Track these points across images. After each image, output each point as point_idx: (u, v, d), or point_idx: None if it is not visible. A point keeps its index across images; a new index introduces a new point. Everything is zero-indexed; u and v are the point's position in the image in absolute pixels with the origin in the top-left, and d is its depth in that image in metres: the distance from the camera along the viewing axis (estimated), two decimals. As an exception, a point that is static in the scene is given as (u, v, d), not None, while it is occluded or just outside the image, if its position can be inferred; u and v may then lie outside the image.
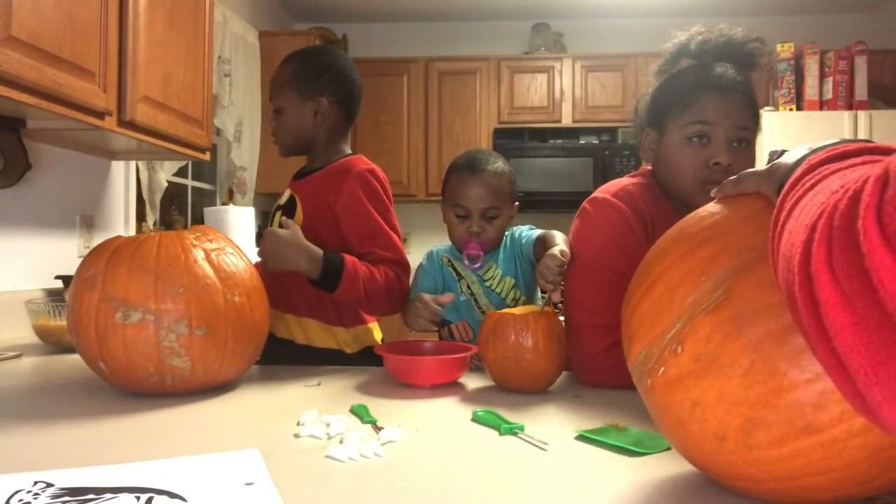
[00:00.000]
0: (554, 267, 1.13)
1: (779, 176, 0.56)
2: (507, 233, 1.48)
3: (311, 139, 1.42)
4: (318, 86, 1.40)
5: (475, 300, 1.41)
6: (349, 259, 1.26)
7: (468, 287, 1.41)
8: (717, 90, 1.11)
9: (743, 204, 0.61)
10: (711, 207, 0.65)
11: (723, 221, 0.61)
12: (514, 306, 1.34)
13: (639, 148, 1.26)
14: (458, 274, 1.43)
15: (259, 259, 1.26)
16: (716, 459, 0.58)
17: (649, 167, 1.27)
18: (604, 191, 1.21)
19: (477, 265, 1.38)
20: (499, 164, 1.39)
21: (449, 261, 1.45)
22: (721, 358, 0.54)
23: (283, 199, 1.44)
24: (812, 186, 0.45)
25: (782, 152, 0.61)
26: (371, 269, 1.28)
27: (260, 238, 1.46)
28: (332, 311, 1.39)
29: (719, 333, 0.54)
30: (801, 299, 0.38)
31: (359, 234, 1.33)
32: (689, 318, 0.56)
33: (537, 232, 1.39)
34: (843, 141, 0.53)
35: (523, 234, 1.42)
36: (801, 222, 0.41)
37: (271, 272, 1.29)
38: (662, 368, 0.58)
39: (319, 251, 1.24)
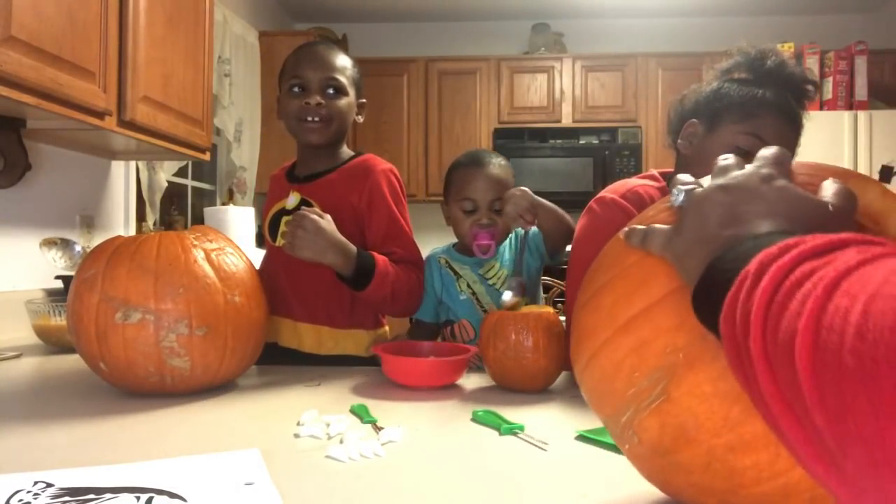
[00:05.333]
0: (522, 201, 1.22)
1: (693, 268, 0.46)
2: (512, 232, 1.47)
3: (344, 135, 1.40)
4: (362, 89, 1.42)
5: (477, 299, 1.40)
6: (380, 258, 1.25)
7: (468, 286, 1.40)
8: (783, 116, 1.12)
9: (654, 276, 0.53)
10: (622, 270, 0.57)
11: (637, 302, 0.54)
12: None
13: (670, 134, 1.24)
14: (455, 273, 1.41)
15: (274, 247, 1.19)
16: None
17: (657, 171, 1.27)
18: (611, 191, 1.21)
19: (488, 255, 1.37)
20: (501, 159, 1.41)
21: (446, 261, 1.44)
22: (678, 455, 0.52)
23: (292, 203, 1.37)
24: (834, 285, 0.33)
25: (687, 193, 0.52)
26: (398, 270, 1.28)
27: (266, 236, 1.44)
28: (353, 316, 1.37)
29: (668, 436, 0.52)
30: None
31: (383, 234, 1.32)
32: (636, 412, 0.53)
33: None
34: (770, 235, 0.42)
35: (532, 230, 1.41)
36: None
37: (286, 275, 1.28)
38: (627, 445, 0.57)
39: (353, 247, 1.22)
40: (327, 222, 1.19)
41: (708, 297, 0.43)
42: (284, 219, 1.35)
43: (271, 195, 1.47)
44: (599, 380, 0.57)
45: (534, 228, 1.39)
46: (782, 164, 0.50)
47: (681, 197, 0.52)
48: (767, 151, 0.50)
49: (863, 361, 0.29)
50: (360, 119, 1.43)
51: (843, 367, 0.30)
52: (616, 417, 0.56)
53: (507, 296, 1.21)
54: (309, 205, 1.34)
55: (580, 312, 0.62)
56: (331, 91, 1.33)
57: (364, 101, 1.43)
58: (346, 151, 1.43)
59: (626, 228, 0.58)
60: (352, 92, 1.37)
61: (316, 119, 1.32)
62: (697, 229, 0.48)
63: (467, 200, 1.37)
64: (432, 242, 1.49)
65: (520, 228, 1.43)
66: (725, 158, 0.52)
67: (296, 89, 1.33)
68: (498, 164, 1.38)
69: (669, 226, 0.52)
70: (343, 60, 1.37)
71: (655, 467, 0.56)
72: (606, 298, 0.58)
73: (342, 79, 1.34)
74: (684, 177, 0.54)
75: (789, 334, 0.33)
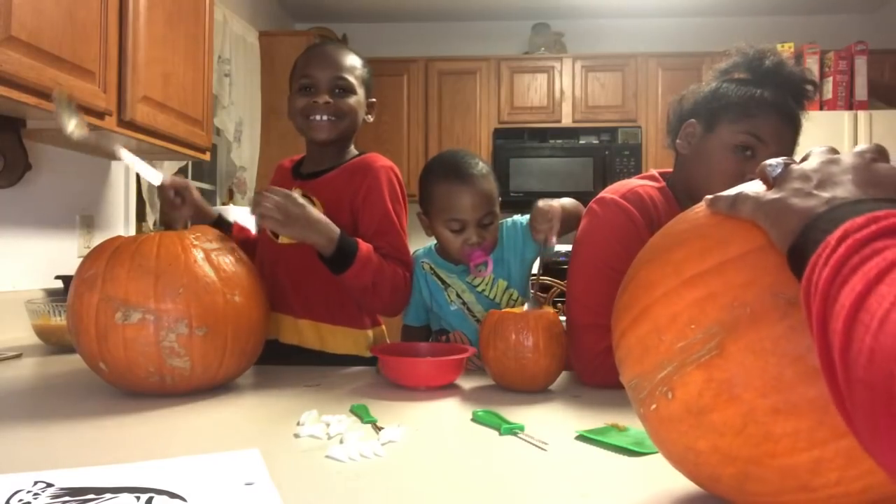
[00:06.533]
0: (540, 217, 1.23)
1: (788, 227, 0.48)
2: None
3: (353, 134, 1.40)
4: (372, 89, 1.42)
5: (468, 308, 1.35)
6: (364, 244, 1.24)
7: (458, 296, 1.35)
8: (781, 116, 1.12)
9: (734, 236, 0.55)
10: (698, 231, 0.59)
11: (711, 258, 0.55)
12: (513, 307, 1.31)
13: (670, 134, 1.24)
14: (442, 282, 1.36)
15: (261, 220, 1.18)
16: (710, 490, 0.58)
17: (657, 171, 1.27)
18: (612, 191, 1.21)
19: (488, 271, 1.30)
20: (481, 164, 1.32)
21: (431, 268, 1.37)
22: (713, 414, 0.52)
23: None
24: (886, 271, 0.36)
25: (786, 165, 0.54)
26: (382, 261, 1.27)
27: (267, 232, 1.42)
28: (353, 314, 1.36)
29: (711, 391, 0.51)
30: None
31: (373, 229, 1.32)
32: (679, 366, 0.53)
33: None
34: (869, 202, 0.44)
35: (517, 222, 1.37)
36: None
37: (286, 271, 1.29)
38: (654, 406, 0.57)
39: (337, 229, 1.21)
40: (300, 202, 1.19)
41: (801, 257, 0.45)
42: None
43: (274, 180, 1.48)
44: (647, 332, 0.57)
45: (520, 221, 1.36)
46: (884, 154, 0.51)
47: (779, 169, 0.54)
48: (867, 145, 0.52)
49: (875, 345, 0.32)
50: (370, 118, 1.42)
51: (868, 348, 0.33)
52: (652, 374, 0.56)
53: (526, 306, 1.20)
54: (310, 201, 1.34)
55: (641, 269, 0.62)
56: (338, 90, 1.33)
57: (374, 100, 1.43)
58: (352, 151, 1.43)
59: (709, 196, 0.59)
60: (361, 91, 1.37)
61: (323, 117, 1.32)
62: (798, 192, 0.49)
63: (454, 221, 1.28)
64: (431, 242, 1.47)
65: (507, 221, 1.39)
66: (821, 147, 0.54)
67: (304, 89, 1.34)
68: (482, 176, 1.28)
69: (761, 191, 0.53)
70: (352, 60, 1.37)
71: (681, 428, 0.55)
72: (676, 254, 0.58)
73: (350, 78, 1.34)
74: (774, 160, 0.56)
75: (841, 306, 0.36)
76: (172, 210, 1.39)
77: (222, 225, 1.45)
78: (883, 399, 0.32)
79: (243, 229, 1.51)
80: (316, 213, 1.20)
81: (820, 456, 0.48)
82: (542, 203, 1.25)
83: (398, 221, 1.34)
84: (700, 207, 0.62)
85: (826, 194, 0.47)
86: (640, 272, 0.62)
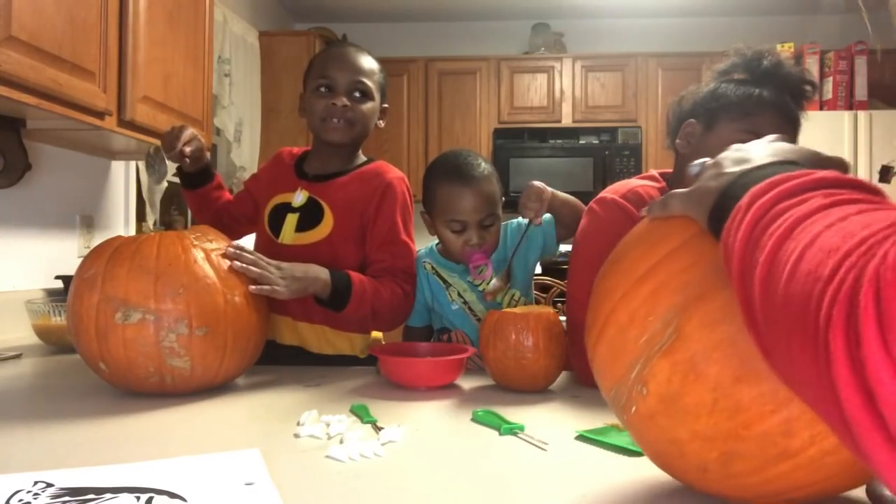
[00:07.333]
0: (533, 195, 1.24)
1: (707, 204, 0.54)
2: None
3: (364, 139, 1.40)
4: (387, 94, 1.42)
5: (469, 308, 1.35)
6: (355, 276, 1.24)
7: (459, 295, 1.35)
8: (781, 115, 1.12)
9: (672, 230, 0.60)
10: (642, 236, 0.64)
11: (656, 254, 0.59)
12: (514, 307, 1.31)
13: (670, 135, 1.24)
14: (444, 282, 1.36)
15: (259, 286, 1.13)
16: (702, 486, 0.59)
17: (657, 171, 1.27)
18: (612, 191, 1.21)
19: (488, 274, 1.30)
20: (484, 165, 1.33)
21: (433, 268, 1.38)
22: (685, 398, 0.54)
23: (299, 201, 1.36)
24: (791, 228, 0.41)
25: (703, 163, 0.59)
26: (378, 286, 1.26)
27: (266, 228, 1.41)
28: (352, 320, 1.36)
29: (678, 375, 0.54)
30: (836, 349, 0.33)
31: (380, 239, 1.32)
32: (647, 360, 0.56)
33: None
34: (771, 165, 0.51)
35: (521, 224, 1.37)
36: (813, 264, 0.37)
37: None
38: (633, 407, 0.58)
39: (325, 270, 1.21)
40: (288, 264, 1.19)
41: (718, 222, 0.50)
42: (288, 216, 1.36)
43: (271, 169, 1.48)
44: (614, 336, 0.60)
45: (547, 216, 1.35)
46: (785, 139, 0.59)
47: (696, 168, 0.60)
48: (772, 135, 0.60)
49: (787, 291, 0.38)
50: (382, 124, 1.42)
51: (782, 293, 0.39)
52: (626, 377, 0.58)
53: (493, 282, 1.21)
54: (316, 204, 1.34)
55: (600, 283, 0.65)
56: (357, 94, 1.33)
57: (387, 106, 1.43)
58: (361, 156, 1.43)
59: (644, 208, 0.66)
60: (377, 97, 1.36)
61: (340, 120, 1.32)
62: (713, 175, 0.55)
63: (455, 222, 1.29)
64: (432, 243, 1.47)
65: (509, 224, 1.41)
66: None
67: (322, 89, 1.33)
68: (484, 178, 1.29)
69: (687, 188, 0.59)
70: (371, 64, 1.36)
71: (661, 423, 0.56)
72: (626, 260, 0.63)
73: (369, 83, 1.34)
74: (694, 161, 0.62)
75: (756, 263, 0.42)
76: (176, 160, 1.39)
77: (208, 172, 1.47)
78: (798, 325, 0.36)
79: (222, 186, 1.52)
80: (296, 265, 1.19)
81: (788, 416, 0.50)
82: (537, 182, 1.27)
83: (406, 233, 1.35)
84: (641, 222, 0.67)
85: (736, 168, 0.53)
86: (600, 286, 0.67)
